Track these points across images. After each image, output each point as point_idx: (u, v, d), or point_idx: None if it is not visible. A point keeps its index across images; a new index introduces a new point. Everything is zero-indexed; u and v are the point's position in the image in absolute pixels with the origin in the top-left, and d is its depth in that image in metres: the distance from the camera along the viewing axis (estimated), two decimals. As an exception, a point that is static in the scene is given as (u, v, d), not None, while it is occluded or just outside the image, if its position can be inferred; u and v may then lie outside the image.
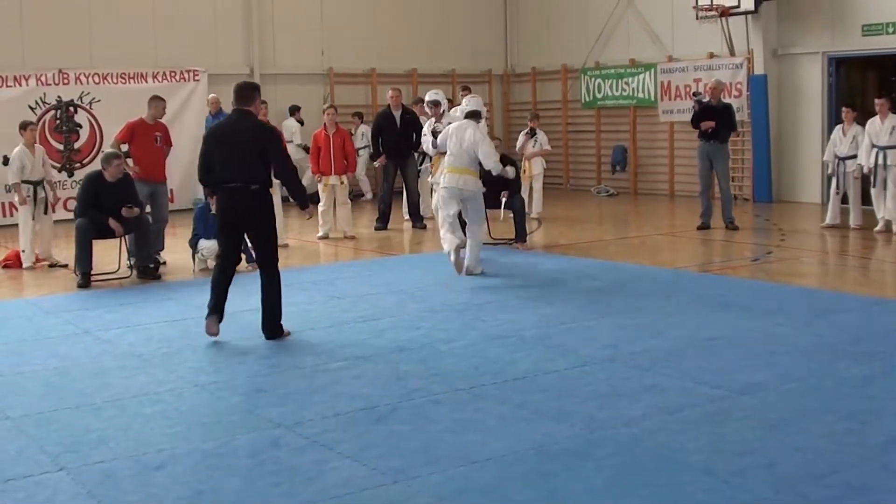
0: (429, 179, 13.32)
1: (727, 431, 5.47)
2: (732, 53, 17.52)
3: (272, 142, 7.95)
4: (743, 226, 14.09)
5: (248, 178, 7.76)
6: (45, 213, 12.18)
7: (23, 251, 11.99)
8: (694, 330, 7.87)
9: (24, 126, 12.19)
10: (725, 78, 16.88)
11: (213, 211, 9.74)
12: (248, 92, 8.00)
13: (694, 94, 15.36)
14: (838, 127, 13.99)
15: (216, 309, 7.97)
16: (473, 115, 10.97)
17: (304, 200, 8.28)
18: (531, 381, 6.51)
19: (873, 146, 13.18)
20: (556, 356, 7.14)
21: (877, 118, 13.24)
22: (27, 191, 11.92)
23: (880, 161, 13.12)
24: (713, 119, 13.90)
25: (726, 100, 15.29)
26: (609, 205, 18.53)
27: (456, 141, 10.66)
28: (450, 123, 12.06)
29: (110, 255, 11.50)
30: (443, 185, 10.86)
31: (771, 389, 6.22)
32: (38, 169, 12.06)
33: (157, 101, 12.05)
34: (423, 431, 5.59)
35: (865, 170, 13.35)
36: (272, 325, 7.98)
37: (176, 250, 12.30)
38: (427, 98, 13.53)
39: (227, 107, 18.16)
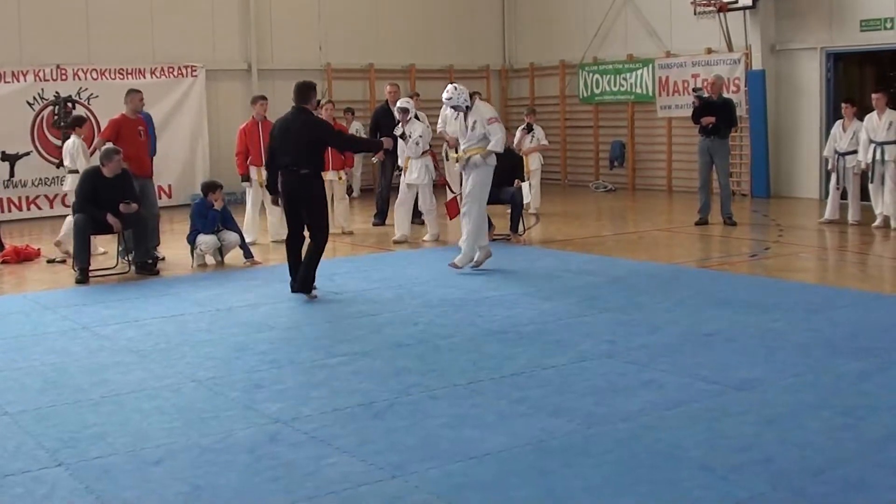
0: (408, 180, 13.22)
1: (725, 427, 5.47)
2: (730, 49, 17.52)
3: (324, 131, 9.61)
4: (741, 221, 14.09)
5: (300, 163, 9.18)
6: None
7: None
8: (692, 325, 7.88)
9: (79, 122, 12.88)
10: (723, 73, 16.84)
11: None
12: (305, 91, 9.40)
13: (694, 90, 15.33)
14: (838, 122, 13.96)
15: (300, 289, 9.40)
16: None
17: (375, 146, 11.09)
18: (529, 377, 6.52)
19: (871, 142, 13.18)
20: (554, 351, 7.15)
21: (874, 113, 13.23)
22: None
23: (878, 157, 13.12)
24: (713, 115, 13.89)
25: (725, 95, 15.28)
26: (607, 200, 18.53)
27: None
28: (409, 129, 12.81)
29: (108, 250, 11.51)
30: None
31: (768, 385, 6.23)
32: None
33: (133, 94, 12.06)
34: (421, 427, 5.59)
35: (863, 165, 13.35)
36: (303, 282, 9.33)
37: (173, 246, 12.29)
38: (400, 104, 13.32)
39: (236, 103, 18.13)
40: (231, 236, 11.44)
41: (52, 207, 16.71)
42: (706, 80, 15.58)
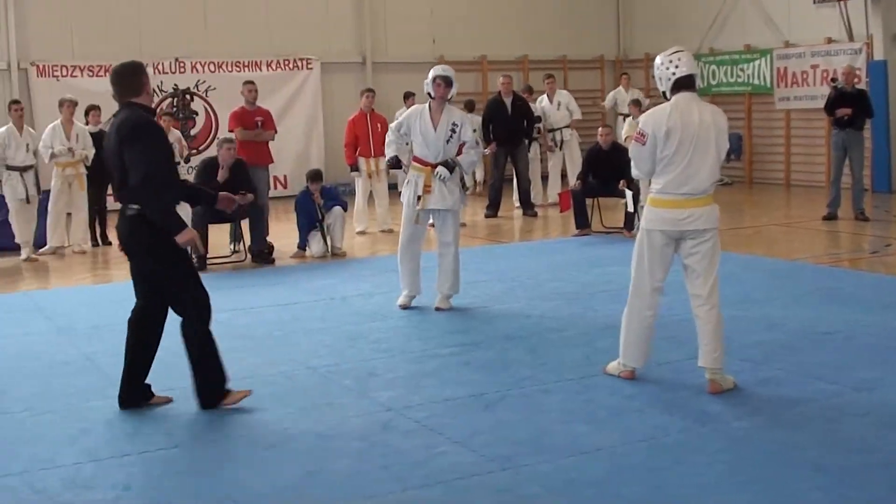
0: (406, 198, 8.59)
1: (842, 428, 5.35)
2: (851, 38, 17.01)
3: None
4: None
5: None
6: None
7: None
8: (809, 323, 7.69)
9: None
10: (844, 64, 16.38)
11: None
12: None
13: (832, 80, 14.86)
14: None
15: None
16: (691, 83, 6.19)
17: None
18: (642, 373, 6.43)
19: None
20: (670, 347, 7.01)
21: None
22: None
23: None
24: (848, 106, 13.45)
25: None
26: (722, 194, 18.08)
27: (692, 134, 6.23)
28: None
29: (224, 238, 11.74)
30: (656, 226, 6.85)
31: (888, 386, 6.05)
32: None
33: (246, 85, 12.45)
34: (532, 420, 5.59)
35: None
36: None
37: (290, 235, 12.49)
38: (439, 73, 8.55)
39: (351, 96, 18.19)
40: (336, 211, 11.47)
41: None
42: (836, 70, 15.06)
